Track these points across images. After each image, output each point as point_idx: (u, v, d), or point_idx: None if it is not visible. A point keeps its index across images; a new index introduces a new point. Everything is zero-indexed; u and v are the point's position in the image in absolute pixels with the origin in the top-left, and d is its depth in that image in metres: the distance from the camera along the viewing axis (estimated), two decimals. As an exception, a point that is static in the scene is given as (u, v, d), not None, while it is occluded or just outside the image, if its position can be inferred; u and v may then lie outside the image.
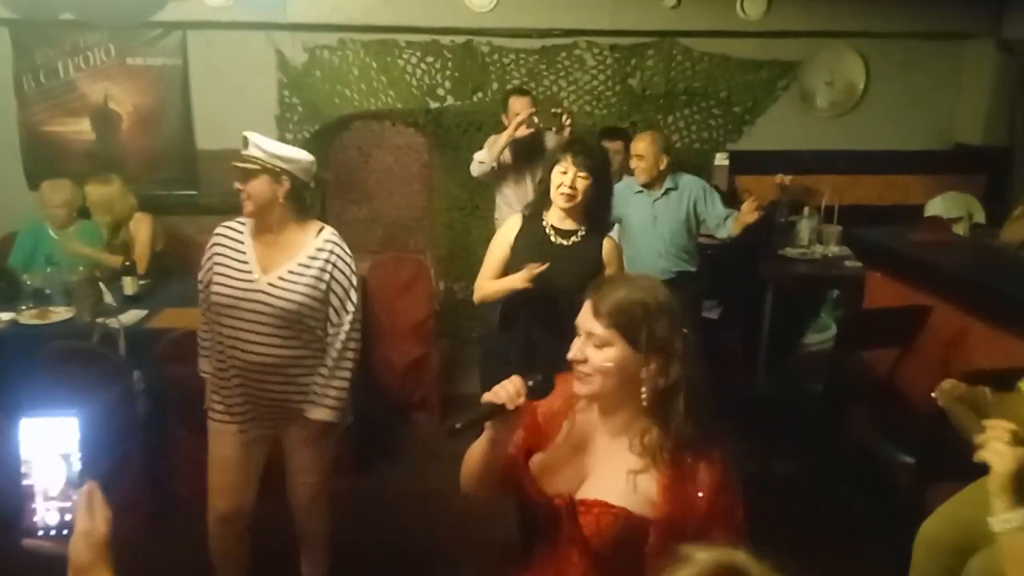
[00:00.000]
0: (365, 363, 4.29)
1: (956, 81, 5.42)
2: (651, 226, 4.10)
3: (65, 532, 1.13)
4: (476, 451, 1.63)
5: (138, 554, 2.99)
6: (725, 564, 0.94)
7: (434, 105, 5.04)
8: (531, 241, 2.83)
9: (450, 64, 4.97)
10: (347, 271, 2.60)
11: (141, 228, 4.45)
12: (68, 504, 1.13)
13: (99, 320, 3.61)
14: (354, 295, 2.62)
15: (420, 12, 4.81)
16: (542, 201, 2.85)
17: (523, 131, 4.09)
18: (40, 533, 1.13)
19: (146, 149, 4.97)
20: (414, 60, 4.96)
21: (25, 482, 1.12)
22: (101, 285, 3.91)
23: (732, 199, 5.17)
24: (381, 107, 5.04)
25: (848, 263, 4.81)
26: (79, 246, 4.23)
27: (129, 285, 4.00)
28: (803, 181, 5.31)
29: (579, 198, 2.75)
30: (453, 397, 4.72)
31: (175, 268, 4.46)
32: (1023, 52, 5.17)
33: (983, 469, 2.57)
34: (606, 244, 2.83)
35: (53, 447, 1.13)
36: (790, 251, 5.07)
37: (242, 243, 2.59)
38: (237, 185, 2.53)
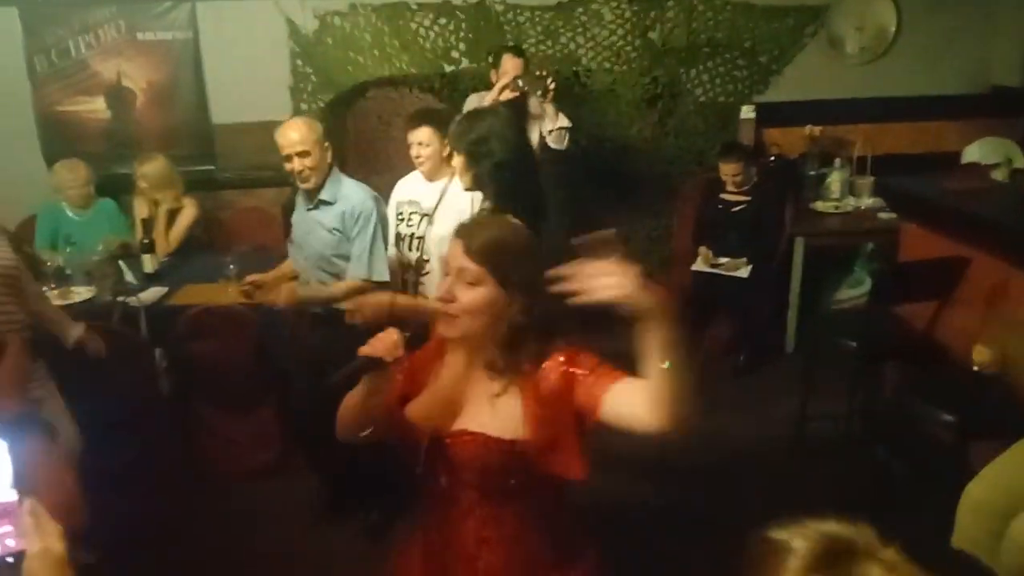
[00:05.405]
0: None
1: (991, 20, 5.19)
2: (301, 241, 3.14)
3: (11, 560, 1.01)
4: (352, 401, 1.61)
5: (170, 535, 3.03)
6: (836, 538, 0.91)
7: (449, 68, 4.93)
8: None
9: (464, 25, 4.85)
10: None
11: (187, 212, 4.43)
12: (8, 529, 1.01)
13: (119, 299, 3.60)
14: None
15: (431, -27, 4.69)
16: None
17: (507, 95, 3.92)
18: None
19: (162, 126, 4.93)
20: (427, 23, 4.84)
21: None
22: (120, 264, 3.89)
23: (760, 153, 5.04)
24: (395, 73, 4.94)
25: (882, 215, 4.67)
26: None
27: (148, 263, 3.98)
28: (834, 131, 5.15)
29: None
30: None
31: (195, 245, 4.43)
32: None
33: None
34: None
35: None
36: (821, 205, 4.93)
37: None
38: None
